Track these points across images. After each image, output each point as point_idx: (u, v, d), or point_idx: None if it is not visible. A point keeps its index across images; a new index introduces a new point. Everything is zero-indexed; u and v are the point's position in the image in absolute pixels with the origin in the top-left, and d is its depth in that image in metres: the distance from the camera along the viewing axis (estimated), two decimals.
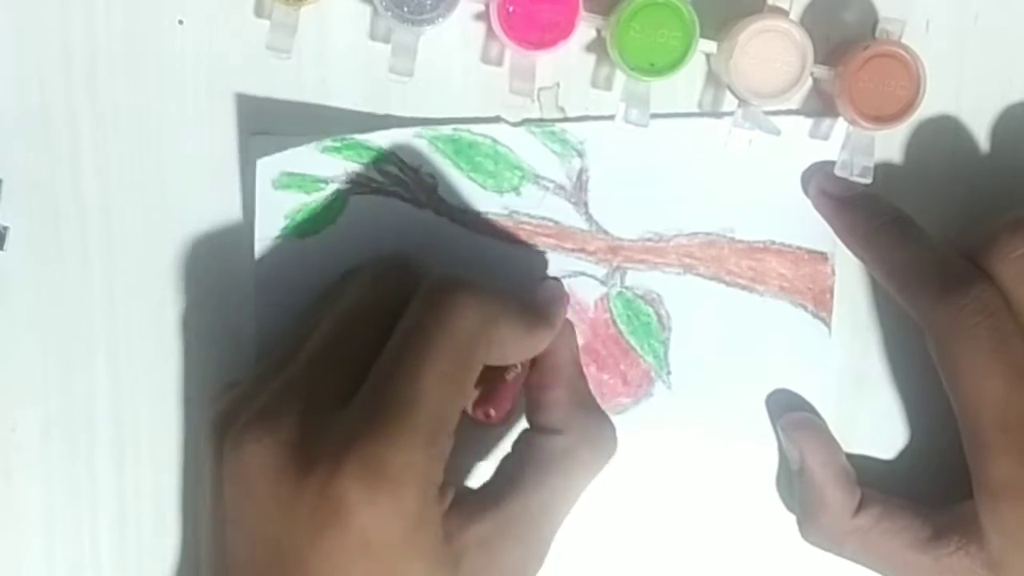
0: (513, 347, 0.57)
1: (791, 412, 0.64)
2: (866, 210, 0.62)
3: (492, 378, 0.58)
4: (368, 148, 0.61)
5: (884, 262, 0.61)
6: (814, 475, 0.62)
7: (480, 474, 0.58)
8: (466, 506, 0.54)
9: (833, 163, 0.62)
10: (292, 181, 0.61)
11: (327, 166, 0.61)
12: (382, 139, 0.61)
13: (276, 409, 0.53)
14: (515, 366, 0.58)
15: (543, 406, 0.59)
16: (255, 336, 0.61)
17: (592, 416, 0.60)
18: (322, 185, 0.61)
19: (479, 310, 0.54)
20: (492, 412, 0.57)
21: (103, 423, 0.62)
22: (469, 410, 0.58)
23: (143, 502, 0.62)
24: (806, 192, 0.63)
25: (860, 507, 0.61)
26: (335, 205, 0.61)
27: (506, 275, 0.62)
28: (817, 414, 0.64)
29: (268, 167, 0.61)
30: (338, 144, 0.61)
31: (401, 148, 0.61)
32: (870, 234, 0.61)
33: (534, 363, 0.60)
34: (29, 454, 0.62)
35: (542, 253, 0.63)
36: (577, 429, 0.58)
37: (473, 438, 0.61)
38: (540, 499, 0.56)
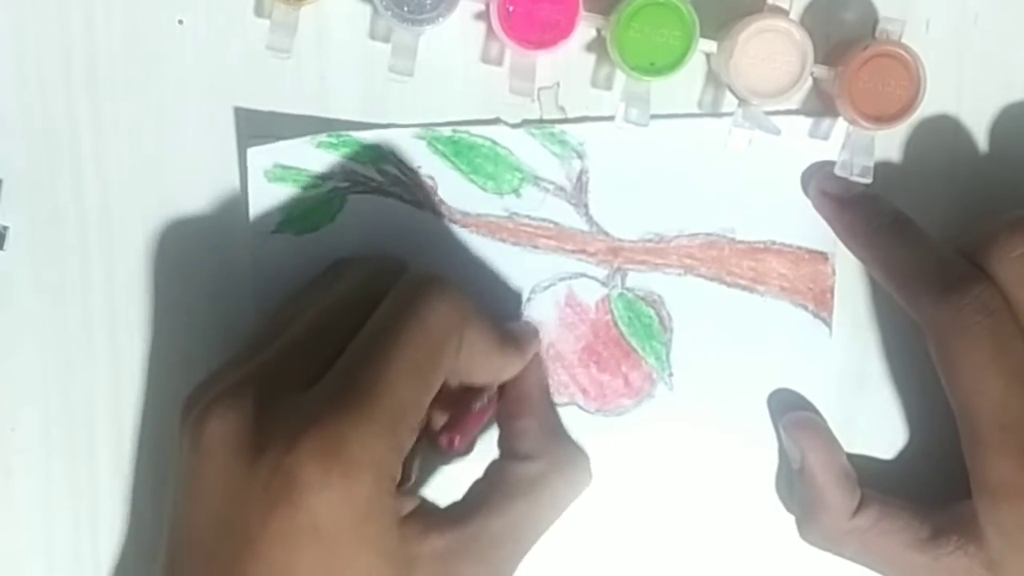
0: (482, 360, 0.57)
1: (793, 411, 0.64)
2: (866, 210, 0.62)
3: (458, 407, 0.58)
4: (365, 146, 0.61)
5: (884, 262, 0.61)
6: (815, 475, 0.62)
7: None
8: (428, 518, 0.54)
9: (833, 163, 0.62)
10: (287, 174, 0.61)
11: (323, 162, 0.61)
12: (379, 137, 0.61)
13: (242, 388, 0.53)
14: (481, 397, 0.58)
15: (514, 434, 0.59)
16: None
17: (564, 446, 0.60)
18: (319, 182, 0.61)
19: (454, 308, 0.54)
20: (456, 439, 0.57)
21: (103, 423, 0.62)
22: (433, 437, 0.58)
23: (143, 502, 0.62)
24: (806, 192, 0.63)
25: (859, 508, 0.61)
26: (334, 203, 0.61)
27: (506, 277, 0.63)
28: (818, 414, 0.64)
29: (260, 157, 0.60)
30: (334, 140, 0.61)
31: (400, 148, 0.61)
32: (870, 234, 0.61)
33: (503, 395, 0.60)
34: (29, 454, 0.62)
35: (543, 255, 0.63)
36: (548, 457, 0.58)
37: (441, 461, 0.62)
38: (504, 523, 0.56)
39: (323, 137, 0.61)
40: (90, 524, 0.62)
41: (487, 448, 0.60)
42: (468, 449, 0.59)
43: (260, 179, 0.61)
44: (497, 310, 0.62)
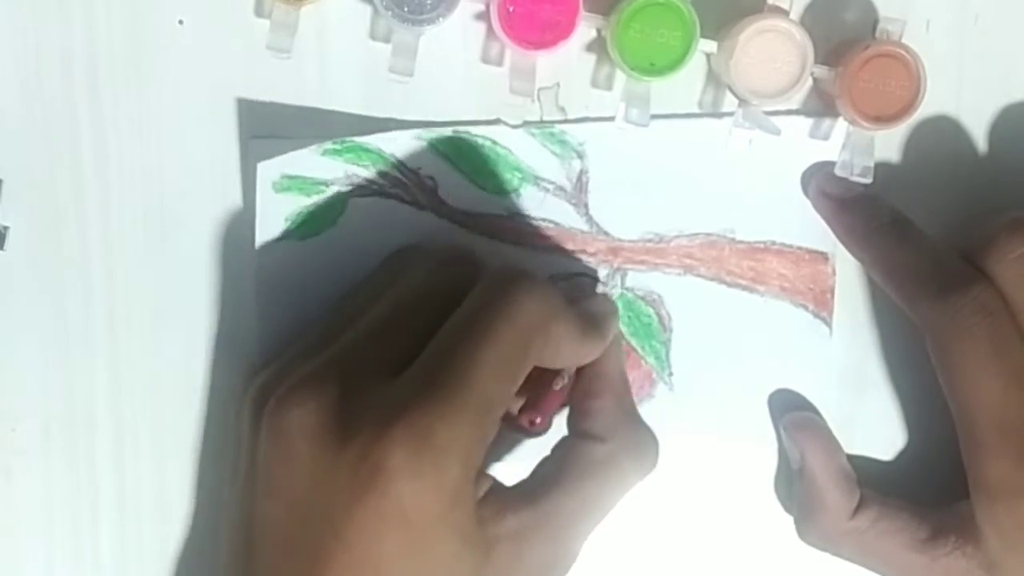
0: (567, 349, 0.57)
1: (793, 412, 0.64)
2: (865, 211, 0.62)
3: (539, 386, 0.58)
4: (368, 150, 0.61)
5: (883, 263, 0.61)
6: (814, 475, 0.62)
7: (515, 476, 0.58)
8: (502, 498, 0.54)
9: (833, 163, 0.62)
10: (293, 184, 0.61)
11: (327, 168, 0.61)
12: (382, 141, 0.61)
13: (322, 375, 0.53)
14: (562, 376, 0.58)
15: (588, 413, 0.59)
16: (257, 336, 0.61)
17: (636, 427, 0.60)
18: (322, 187, 0.61)
19: (542, 304, 0.55)
20: (537, 420, 0.58)
21: (103, 423, 0.62)
22: (511, 418, 0.58)
23: (143, 502, 0.62)
24: (806, 192, 0.63)
25: (858, 508, 0.61)
26: (336, 207, 0.61)
27: None
28: (818, 414, 0.64)
29: (269, 170, 0.61)
30: (338, 147, 0.61)
31: (401, 150, 0.61)
32: (869, 235, 0.61)
33: (580, 372, 0.60)
34: (29, 454, 0.62)
35: (543, 255, 0.63)
36: (620, 438, 0.58)
37: (511, 440, 0.61)
38: (576, 502, 0.56)
39: (328, 145, 0.61)
40: (90, 524, 0.62)
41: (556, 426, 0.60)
42: (547, 428, 0.59)
43: (267, 191, 0.61)
44: None
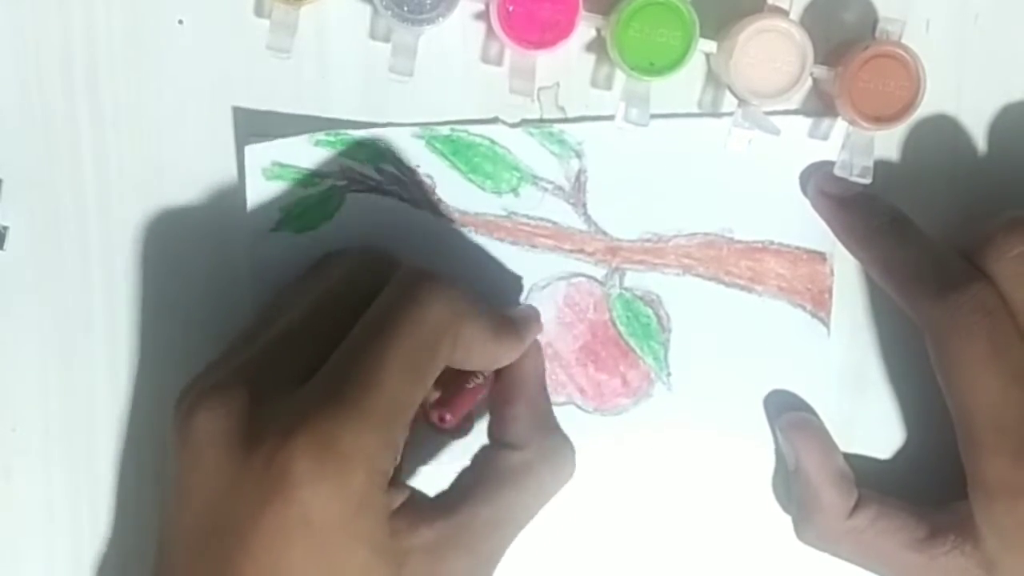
0: (478, 351, 0.56)
1: (790, 412, 0.64)
2: (864, 210, 0.62)
3: (452, 384, 0.58)
4: (362, 144, 0.61)
5: (882, 262, 0.61)
6: (810, 476, 0.62)
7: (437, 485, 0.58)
8: (418, 509, 0.54)
9: (832, 163, 0.62)
10: (285, 172, 0.61)
11: (321, 160, 0.61)
12: (377, 136, 0.61)
13: (232, 381, 0.53)
14: (477, 376, 0.58)
15: (504, 421, 0.59)
16: None
17: (552, 436, 0.60)
18: (317, 180, 0.61)
19: (449, 304, 0.54)
20: (448, 416, 0.57)
21: (103, 423, 0.62)
22: (426, 413, 0.58)
23: (143, 502, 0.63)
24: (805, 192, 0.63)
25: (856, 508, 0.61)
26: (333, 201, 0.61)
27: (505, 276, 0.63)
28: (815, 415, 0.64)
29: (257, 155, 0.60)
30: (331, 138, 0.61)
31: (398, 147, 0.61)
32: (868, 234, 0.61)
33: (498, 377, 0.60)
34: (29, 454, 0.62)
35: (541, 254, 0.63)
36: (536, 447, 0.58)
37: (432, 447, 0.62)
38: (491, 512, 0.56)
39: (321, 135, 0.61)
40: (90, 524, 0.62)
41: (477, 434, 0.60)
42: (463, 429, 0.59)
43: (258, 177, 0.61)
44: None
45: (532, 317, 0.61)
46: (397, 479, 0.53)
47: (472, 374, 0.58)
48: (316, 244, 0.61)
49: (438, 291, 0.54)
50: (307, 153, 0.61)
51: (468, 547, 0.55)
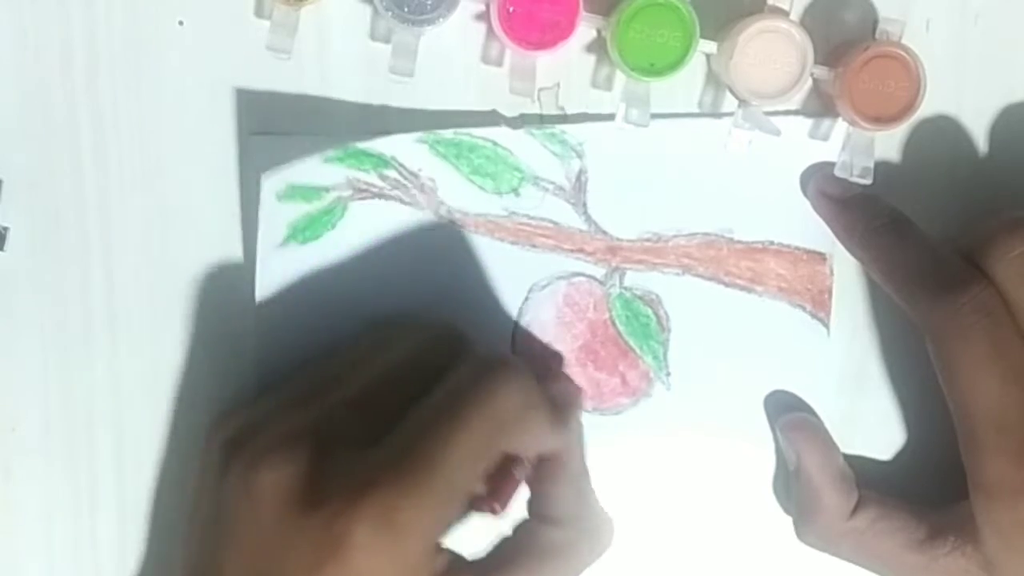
0: (534, 440, 0.57)
1: (790, 413, 0.64)
2: (865, 211, 0.62)
3: (499, 471, 0.57)
4: (369, 155, 0.61)
5: (883, 262, 0.61)
6: (811, 477, 0.62)
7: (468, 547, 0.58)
8: (458, 574, 0.55)
9: (833, 164, 0.62)
10: (296, 192, 0.61)
11: (329, 175, 0.61)
12: (383, 146, 0.61)
13: (298, 440, 0.54)
14: (523, 462, 0.58)
15: (547, 499, 0.59)
16: (256, 338, 0.61)
17: (594, 513, 0.60)
18: (323, 193, 0.61)
19: (523, 395, 0.55)
20: (497, 507, 0.57)
21: (103, 423, 0.62)
22: (474, 501, 0.58)
23: (143, 502, 0.62)
24: (805, 193, 0.63)
25: (856, 509, 0.61)
26: (336, 211, 0.61)
27: (505, 276, 0.63)
28: (815, 415, 0.64)
29: (273, 181, 0.60)
30: (340, 153, 0.61)
31: (402, 153, 0.61)
32: (868, 235, 0.61)
33: (541, 457, 0.59)
34: (29, 454, 0.62)
35: (541, 254, 0.63)
36: (577, 524, 0.59)
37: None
38: None
39: (330, 152, 0.61)
40: (90, 524, 0.62)
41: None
42: (505, 512, 0.59)
43: (272, 202, 0.61)
44: (496, 309, 0.62)
45: (576, 400, 0.62)
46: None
47: (519, 460, 0.58)
48: (320, 254, 0.61)
49: (513, 382, 0.55)
50: (317, 171, 0.61)
51: None
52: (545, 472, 0.59)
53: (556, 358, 0.64)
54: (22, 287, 0.61)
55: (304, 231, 0.61)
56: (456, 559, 0.55)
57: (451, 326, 0.60)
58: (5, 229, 0.60)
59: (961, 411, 0.58)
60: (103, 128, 0.61)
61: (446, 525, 0.53)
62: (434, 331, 0.59)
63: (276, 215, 0.61)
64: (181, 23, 0.61)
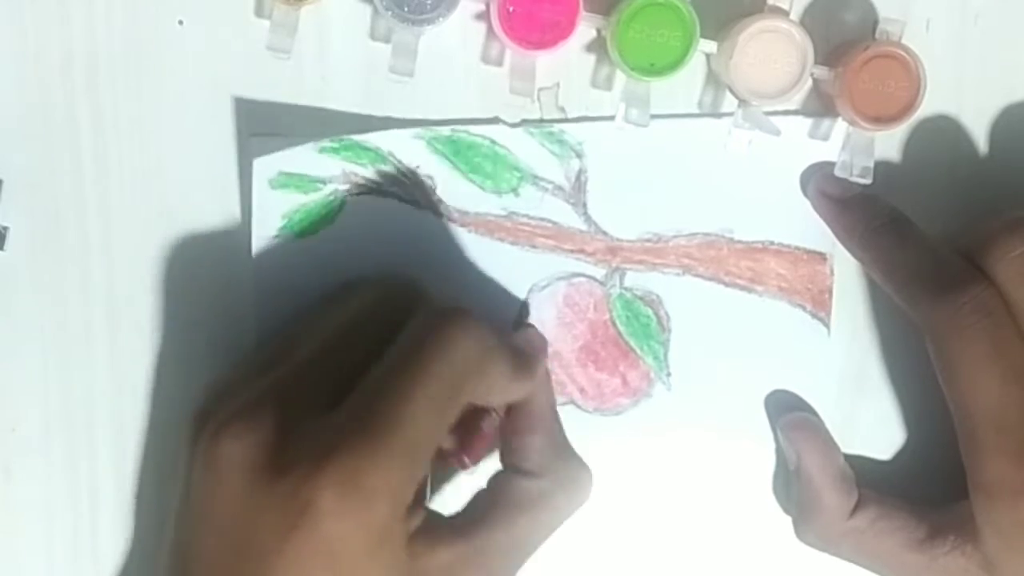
0: (500, 389, 0.57)
1: (790, 412, 0.64)
2: (864, 211, 0.62)
3: (468, 425, 0.58)
4: (366, 149, 0.61)
5: (883, 263, 0.61)
6: (811, 476, 0.62)
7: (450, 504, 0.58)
8: (434, 531, 0.55)
9: (833, 164, 0.62)
10: (290, 181, 0.61)
11: (325, 166, 0.61)
12: (380, 140, 0.61)
13: (259, 408, 0.53)
14: (491, 414, 0.58)
15: (520, 450, 0.59)
16: (255, 336, 0.62)
17: (568, 462, 0.60)
18: (320, 185, 0.61)
19: (478, 343, 0.55)
20: (466, 460, 0.58)
21: (103, 423, 0.62)
22: (443, 455, 0.58)
23: (142, 502, 0.63)
24: (805, 193, 0.63)
25: (856, 508, 0.61)
26: (333, 205, 0.61)
27: (504, 276, 0.63)
28: (816, 414, 0.64)
29: (265, 166, 0.61)
30: (336, 144, 0.61)
31: (400, 149, 0.61)
32: (868, 235, 0.61)
33: (510, 410, 0.60)
34: (29, 454, 0.62)
35: (541, 254, 0.63)
36: (552, 474, 0.59)
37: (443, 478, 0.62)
38: (508, 537, 0.57)
39: (326, 142, 0.61)
40: (90, 524, 0.62)
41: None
42: (476, 466, 0.59)
43: (264, 188, 0.61)
44: (495, 309, 0.62)
45: (540, 348, 0.62)
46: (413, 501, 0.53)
47: (487, 412, 0.58)
48: (318, 248, 0.61)
49: (467, 329, 0.54)
50: (312, 160, 0.61)
51: (483, 570, 0.56)
52: (515, 422, 0.59)
53: (524, 309, 0.63)
54: (22, 287, 0.61)
55: (301, 224, 0.61)
56: (431, 516, 0.55)
57: (408, 279, 0.59)
58: (5, 229, 0.60)
59: (961, 411, 0.58)
60: (103, 128, 0.61)
61: (414, 483, 0.53)
62: (390, 285, 0.59)
63: (270, 203, 0.61)
64: (181, 23, 0.61)
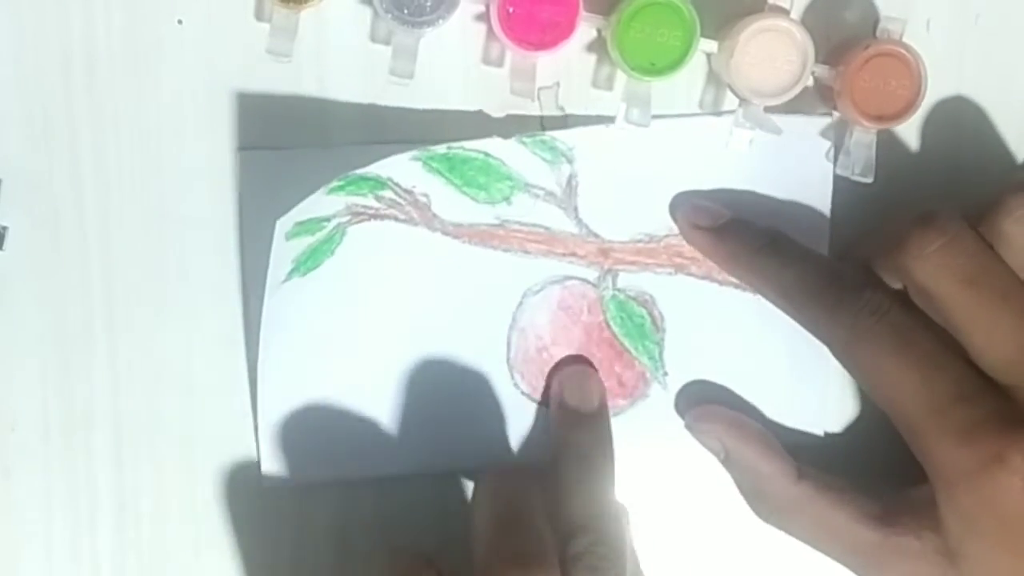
0: None
1: (693, 408, 0.64)
2: (743, 236, 0.61)
3: None
4: (367, 179, 0.61)
5: (773, 284, 0.61)
6: (742, 452, 0.62)
7: None
8: None
9: (715, 190, 0.63)
10: (302, 228, 0.61)
11: (331, 205, 0.61)
12: (380, 168, 0.61)
13: None
14: None
15: None
16: (255, 336, 0.62)
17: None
18: (325, 224, 0.61)
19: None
20: None
21: (103, 423, 0.62)
22: None
23: (143, 502, 0.63)
24: (805, 193, 0.63)
25: (802, 475, 0.61)
26: (335, 238, 0.61)
27: (498, 283, 0.63)
28: (811, 414, 0.64)
29: (283, 224, 0.60)
30: (341, 183, 0.61)
31: (397, 173, 0.61)
32: (752, 259, 0.61)
33: None
34: (29, 454, 0.62)
35: (533, 259, 0.63)
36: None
37: None
38: None
39: (333, 183, 0.60)
40: (90, 524, 0.63)
41: None
42: None
43: (281, 242, 0.60)
44: (490, 316, 0.63)
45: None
46: None
47: None
48: (320, 281, 0.61)
49: None
50: (321, 203, 0.61)
51: None
52: None
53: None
54: (22, 287, 0.61)
55: (306, 263, 0.61)
56: None
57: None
58: (4, 229, 0.61)
59: (894, 411, 0.58)
60: (103, 128, 0.61)
61: None
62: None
63: (283, 254, 0.61)
64: (180, 23, 0.61)
